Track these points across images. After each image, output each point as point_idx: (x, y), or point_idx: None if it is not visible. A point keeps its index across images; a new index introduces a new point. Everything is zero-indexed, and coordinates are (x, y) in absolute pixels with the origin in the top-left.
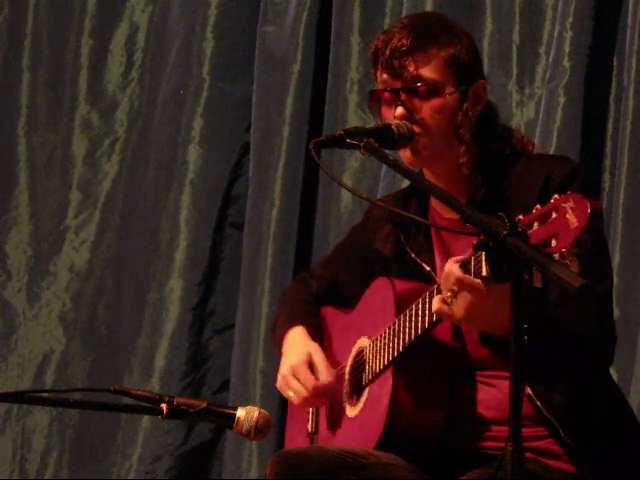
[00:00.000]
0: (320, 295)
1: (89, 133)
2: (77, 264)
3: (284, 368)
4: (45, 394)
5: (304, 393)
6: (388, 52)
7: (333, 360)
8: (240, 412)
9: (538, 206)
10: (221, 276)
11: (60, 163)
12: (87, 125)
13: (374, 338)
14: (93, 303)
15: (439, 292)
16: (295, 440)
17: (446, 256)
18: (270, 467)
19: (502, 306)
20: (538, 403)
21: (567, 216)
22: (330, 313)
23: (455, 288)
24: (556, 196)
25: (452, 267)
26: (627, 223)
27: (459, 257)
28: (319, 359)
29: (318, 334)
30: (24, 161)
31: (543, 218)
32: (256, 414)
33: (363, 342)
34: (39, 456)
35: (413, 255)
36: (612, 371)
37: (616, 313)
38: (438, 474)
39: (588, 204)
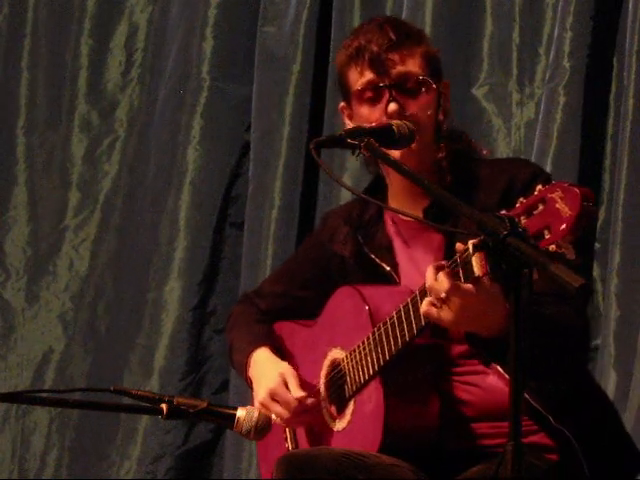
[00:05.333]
0: (272, 313)
1: (89, 132)
2: (77, 264)
3: (261, 394)
4: (44, 394)
5: (286, 415)
6: (375, 49)
7: (302, 375)
8: (240, 412)
9: (522, 199)
10: (221, 276)
11: (59, 163)
12: (87, 124)
13: (351, 349)
14: (93, 303)
15: (422, 297)
16: (271, 462)
17: (407, 256)
18: (276, 469)
19: (490, 308)
20: (525, 394)
21: (557, 206)
22: (286, 328)
23: (444, 295)
24: (540, 187)
25: (437, 275)
26: (627, 223)
27: (440, 263)
28: (291, 377)
29: (280, 352)
30: (23, 161)
31: (529, 211)
32: (256, 414)
33: (336, 354)
34: (38, 456)
35: (372, 255)
36: (612, 371)
37: (616, 313)
38: (436, 475)
39: (577, 190)
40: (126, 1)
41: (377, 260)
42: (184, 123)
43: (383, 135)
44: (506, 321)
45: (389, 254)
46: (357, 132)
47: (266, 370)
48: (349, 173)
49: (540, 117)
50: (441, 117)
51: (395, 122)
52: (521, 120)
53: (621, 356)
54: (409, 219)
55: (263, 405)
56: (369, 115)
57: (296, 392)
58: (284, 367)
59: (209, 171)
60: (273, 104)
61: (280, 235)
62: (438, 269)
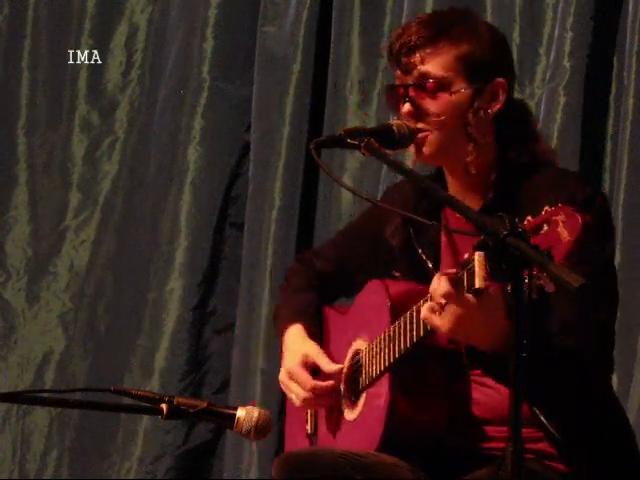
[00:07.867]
0: (324, 276)
1: (89, 133)
2: (77, 264)
3: (281, 372)
4: (44, 394)
5: (303, 394)
6: (397, 47)
7: (332, 360)
8: (240, 412)
9: (529, 217)
10: (221, 276)
11: (60, 163)
12: (87, 125)
13: (370, 342)
14: (93, 303)
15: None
16: (295, 440)
17: (454, 254)
18: (275, 468)
19: (490, 322)
20: (542, 418)
21: (558, 229)
22: (330, 313)
23: (442, 301)
24: (547, 208)
25: (440, 280)
26: (627, 223)
27: (450, 270)
28: (319, 357)
29: (317, 331)
30: (24, 161)
31: (535, 229)
32: (256, 414)
33: (359, 344)
34: (39, 456)
35: (420, 251)
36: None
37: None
38: (438, 475)
39: (579, 218)
40: (126, 1)
41: (423, 256)
42: (184, 123)
43: (383, 135)
44: (507, 338)
45: (435, 252)
46: (357, 132)
47: (291, 349)
48: (349, 173)
49: (540, 117)
50: (470, 117)
51: (395, 122)
52: None
53: (621, 357)
54: (461, 217)
55: (282, 384)
56: (400, 110)
57: (329, 367)
58: (309, 347)
59: (209, 171)
60: (273, 104)
61: (280, 235)
62: (446, 274)
